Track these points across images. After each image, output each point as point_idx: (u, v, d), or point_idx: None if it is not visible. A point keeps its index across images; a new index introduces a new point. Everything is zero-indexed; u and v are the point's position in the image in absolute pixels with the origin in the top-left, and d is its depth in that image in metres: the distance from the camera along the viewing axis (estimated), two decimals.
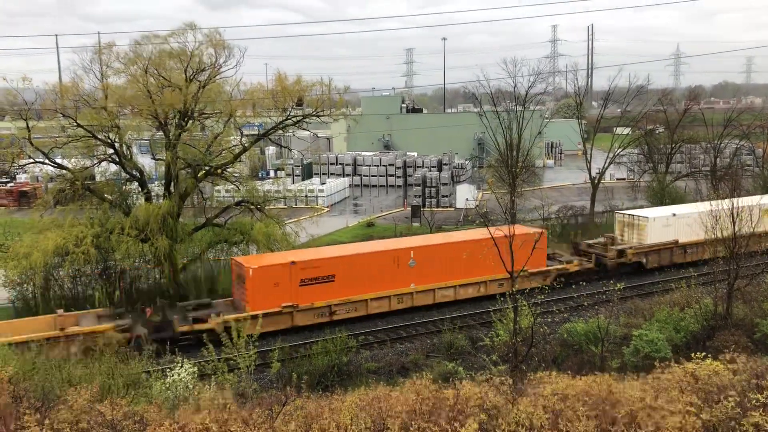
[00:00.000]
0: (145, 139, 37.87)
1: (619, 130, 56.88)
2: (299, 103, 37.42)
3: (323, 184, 68.46)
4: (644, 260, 39.84)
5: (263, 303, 30.19)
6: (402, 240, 38.34)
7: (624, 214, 42.14)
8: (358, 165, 79.86)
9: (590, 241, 41.33)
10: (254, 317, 28.40)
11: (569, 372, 17.07)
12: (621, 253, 39.18)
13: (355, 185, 77.78)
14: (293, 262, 31.22)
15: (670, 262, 40.44)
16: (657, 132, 62.80)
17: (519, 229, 37.39)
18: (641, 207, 55.36)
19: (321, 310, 31.78)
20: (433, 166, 73.75)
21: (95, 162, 33.63)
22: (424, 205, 60.39)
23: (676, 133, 59.44)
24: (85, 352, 26.60)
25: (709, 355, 16.14)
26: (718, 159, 57.38)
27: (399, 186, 74.99)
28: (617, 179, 73.91)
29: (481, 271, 33.75)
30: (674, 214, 40.92)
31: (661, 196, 52.20)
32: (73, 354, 26.79)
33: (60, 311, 28.99)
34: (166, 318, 29.13)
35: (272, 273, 30.69)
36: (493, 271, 31.50)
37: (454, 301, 34.75)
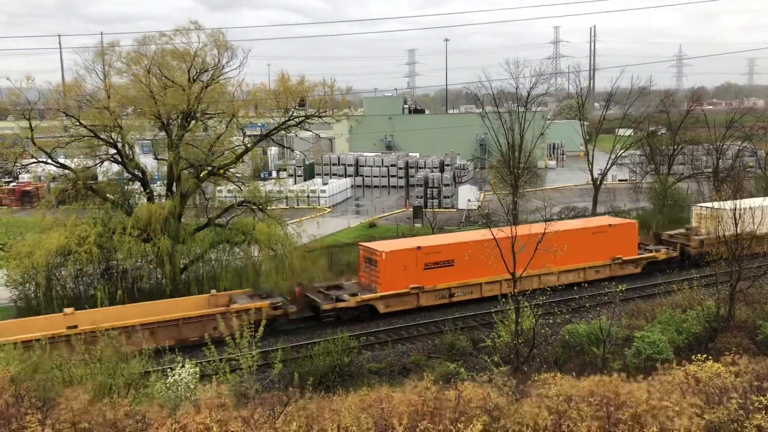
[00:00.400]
0: (148, 139, 37.90)
1: (621, 132, 56.88)
2: (302, 104, 37.45)
3: (325, 184, 68.46)
4: None
5: (393, 284, 32.88)
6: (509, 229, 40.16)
7: (701, 206, 44.19)
8: (360, 165, 79.77)
9: (671, 232, 44.05)
10: (385, 297, 32.45)
11: (573, 373, 17.04)
12: (702, 242, 41.33)
13: (357, 186, 77.72)
14: (419, 247, 33.67)
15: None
16: (659, 133, 62.71)
17: (614, 221, 41.25)
18: (642, 208, 55.52)
19: (442, 292, 34.17)
20: (435, 167, 73.64)
21: (98, 162, 33.67)
22: (425, 206, 60.35)
23: (678, 134, 59.36)
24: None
25: (711, 357, 16.11)
26: (720, 161, 57.30)
27: (401, 187, 74.99)
28: (619, 180, 73.90)
29: (581, 259, 36.43)
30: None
31: (663, 198, 52.14)
32: (229, 327, 28.98)
33: (213, 291, 31.53)
34: (311, 297, 32.13)
35: (401, 257, 33.10)
36: (593, 258, 36.27)
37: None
